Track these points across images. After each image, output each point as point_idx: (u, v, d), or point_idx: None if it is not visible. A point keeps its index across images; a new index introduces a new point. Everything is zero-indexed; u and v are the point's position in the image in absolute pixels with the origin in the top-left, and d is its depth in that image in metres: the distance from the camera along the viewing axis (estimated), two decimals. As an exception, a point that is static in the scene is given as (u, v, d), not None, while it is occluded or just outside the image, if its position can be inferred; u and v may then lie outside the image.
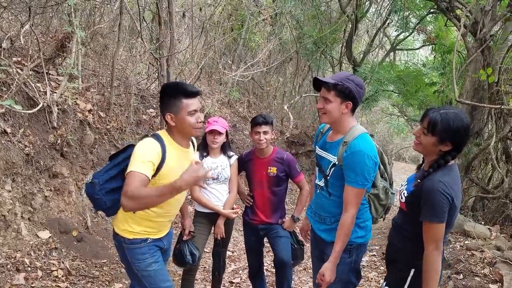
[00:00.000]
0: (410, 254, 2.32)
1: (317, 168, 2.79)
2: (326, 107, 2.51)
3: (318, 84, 2.59)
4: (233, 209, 3.71)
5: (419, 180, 2.26)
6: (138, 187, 2.23)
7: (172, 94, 2.42)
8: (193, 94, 2.45)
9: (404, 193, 2.36)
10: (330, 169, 2.58)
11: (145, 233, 2.55)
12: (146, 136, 2.48)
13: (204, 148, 3.68)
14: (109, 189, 2.47)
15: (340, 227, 2.49)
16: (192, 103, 2.43)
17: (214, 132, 3.55)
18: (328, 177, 2.60)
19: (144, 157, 2.31)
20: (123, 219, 2.54)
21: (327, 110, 2.52)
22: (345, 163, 2.46)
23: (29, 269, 3.59)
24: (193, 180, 2.20)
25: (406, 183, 2.43)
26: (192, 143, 2.77)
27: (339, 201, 2.55)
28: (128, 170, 2.31)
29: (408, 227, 2.35)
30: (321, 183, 2.68)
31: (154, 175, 2.35)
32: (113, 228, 2.61)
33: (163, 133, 2.51)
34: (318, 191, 2.72)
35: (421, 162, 2.50)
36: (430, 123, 2.18)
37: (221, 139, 3.60)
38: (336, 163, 2.52)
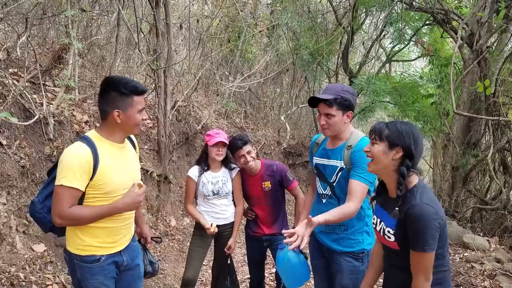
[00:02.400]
0: None
1: (318, 178, 2.78)
2: (329, 122, 2.57)
3: (315, 101, 2.62)
4: (233, 225, 3.68)
5: (396, 209, 2.08)
6: (68, 206, 2.17)
7: (123, 90, 2.27)
8: (144, 92, 2.36)
9: (388, 231, 2.15)
10: (337, 174, 2.62)
11: (99, 248, 2.33)
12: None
13: (205, 162, 3.63)
14: (50, 207, 2.27)
15: (342, 208, 2.46)
16: (141, 101, 2.34)
17: (218, 144, 3.51)
18: (335, 184, 2.62)
19: (73, 166, 2.17)
20: (72, 233, 2.33)
21: (331, 125, 2.58)
22: (352, 162, 2.52)
23: (24, 283, 3.52)
24: (135, 204, 2.33)
25: (380, 219, 2.24)
26: (132, 140, 2.62)
27: None
28: (56, 182, 2.18)
29: (407, 264, 2.10)
30: (328, 192, 2.69)
31: (91, 178, 2.22)
32: (65, 245, 2.38)
33: (91, 134, 2.34)
34: (324, 200, 2.71)
35: (375, 193, 2.34)
36: (376, 131, 2.13)
37: (225, 150, 3.56)
38: (344, 167, 2.57)
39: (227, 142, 3.52)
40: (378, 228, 2.23)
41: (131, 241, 2.55)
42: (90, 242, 2.31)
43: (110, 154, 2.32)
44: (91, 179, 2.23)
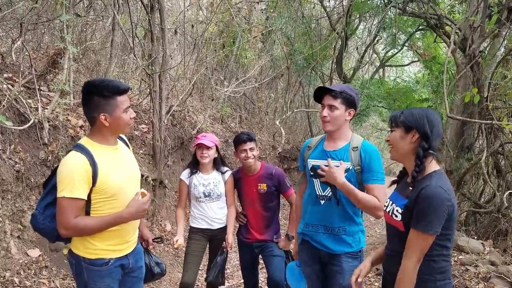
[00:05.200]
0: (420, 277, 2.04)
1: (315, 180, 2.75)
2: (331, 114, 2.64)
3: (320, 94, 2.71)
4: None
5: (410, 188, 2.09)
6: (73, 217, 2.16)
7: (106, 93, 2.24)
8: (126, 90, 2.33)
9: (397, 210, 2.12)
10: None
11: (109, 252, 2.34)
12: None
13: (194, 165, 3.67)
14: (53, 215, 2.25)
15: (371, 198, 2.56)
16: (125, 100, 2.32)
17: (202, 147, 3.54)
18: None
19: (71, 177, 2.16)
20: (81, 238, 2.31)
21: (332, 117, 2.64)
22: (365, 164, 2.62)
23: (18, 288, 3.50)
24: (140, 213, 2.33)
25: (392, 201, 2.21)
26: (124, 140, 2.60)
27: (347, 208, 2.66)
28: (58, 195, 2.17)
29: None
30: (327, 193, 2.70)
31: (93, 185, 2.21)
32: (70, 248, 2.36)
33: (85, 141, 2.32)
34: (323, 202, 2.72)
35: (397, 177, 2.38)
36: (392, 118, 2.19)
37: (211, 153, 3.57)
38: (351, 167, 2.63)
39: (210, 146, 3.53)
40: (388, 210, 2.21)
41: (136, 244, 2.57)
42: (100, 246, 2.31)
43: (107, 158, 2.31)
44: (93, 185, 2.22)
